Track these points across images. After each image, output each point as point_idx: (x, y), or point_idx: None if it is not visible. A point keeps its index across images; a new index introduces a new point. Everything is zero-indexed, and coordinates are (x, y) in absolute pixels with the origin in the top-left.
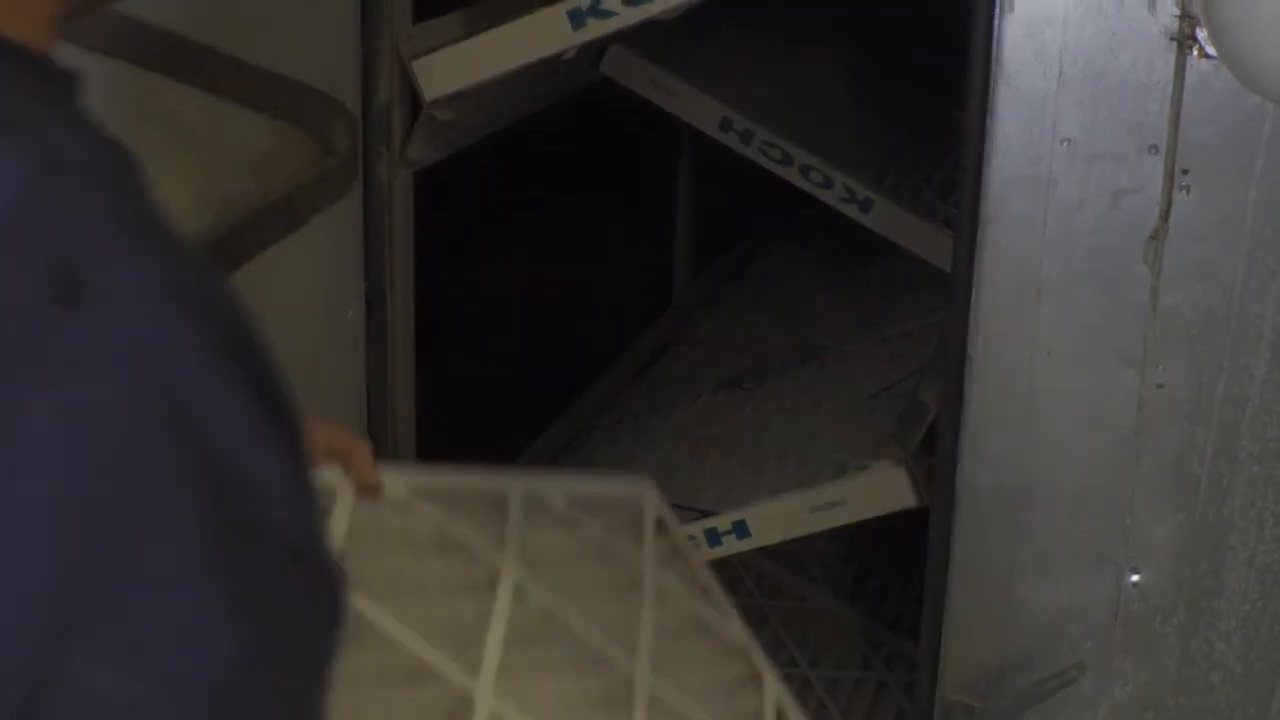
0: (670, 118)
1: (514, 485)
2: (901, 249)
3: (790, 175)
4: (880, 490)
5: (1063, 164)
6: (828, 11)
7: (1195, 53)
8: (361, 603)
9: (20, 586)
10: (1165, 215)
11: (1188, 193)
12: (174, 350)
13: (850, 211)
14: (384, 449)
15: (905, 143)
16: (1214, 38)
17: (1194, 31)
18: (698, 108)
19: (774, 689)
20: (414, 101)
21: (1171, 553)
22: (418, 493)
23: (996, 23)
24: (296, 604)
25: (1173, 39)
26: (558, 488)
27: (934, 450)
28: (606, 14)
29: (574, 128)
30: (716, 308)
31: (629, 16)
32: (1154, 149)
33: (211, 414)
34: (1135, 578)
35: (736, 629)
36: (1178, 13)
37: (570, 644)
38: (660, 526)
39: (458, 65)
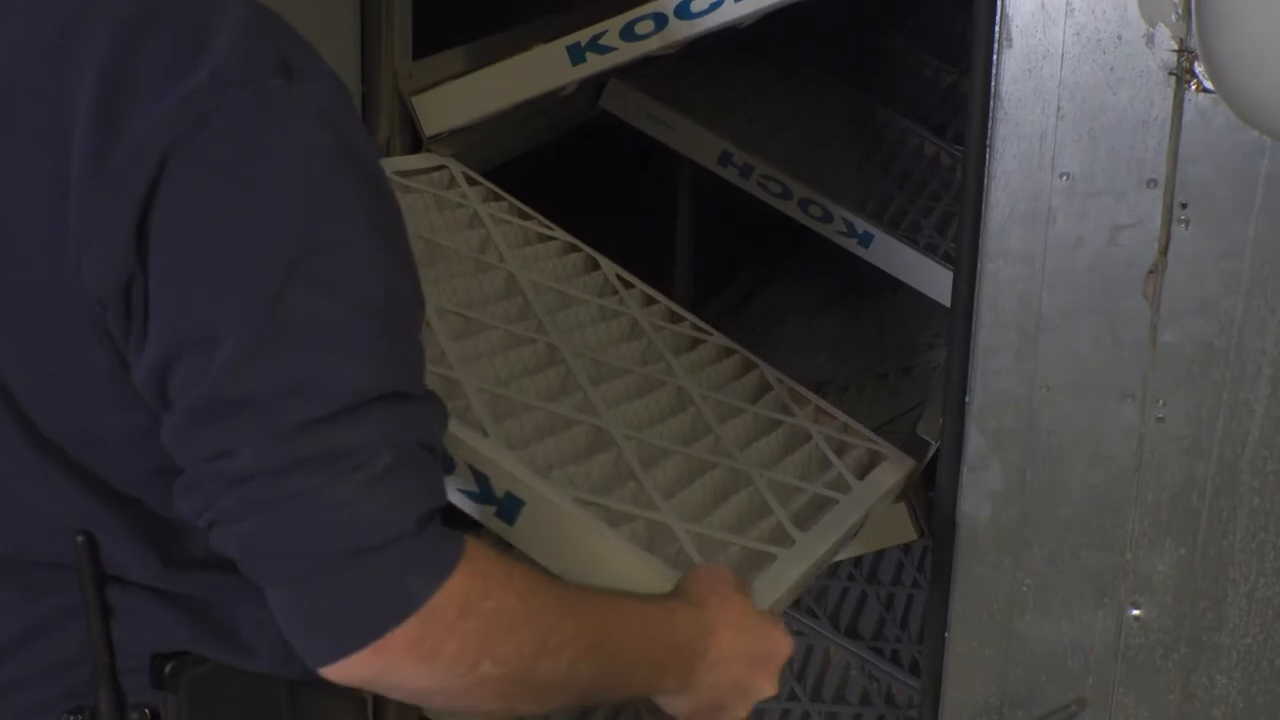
0: (669, 151)
1: None
2: (902, 282)
3: (790, 209)
4: (880, 524)
5: (1061, 199)
6: (827, 46)
7: (1193, 87)
8: None
9: (272, 243)
10: (1164, 250)
11: (1187, 227)
12: (340, 109)
13: (850, 245)
14: None
15: (905, 176)
16: (1212, 72)
17: (1192, 66)
18: (697, 142)
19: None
20: (414, 137)
21: (1172, 587)
22: None
23: (995, 58)
24: (412, 263)
25: (1171, 74)
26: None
27: (934, 484)
28: (605, 49)
29: (573, 162)
30: None
31: (628, 52)
32: (1153, 184)
33: (361, 150)
34: (1136, 612)
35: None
36: (1176, 47)
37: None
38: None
39: (457, 101)
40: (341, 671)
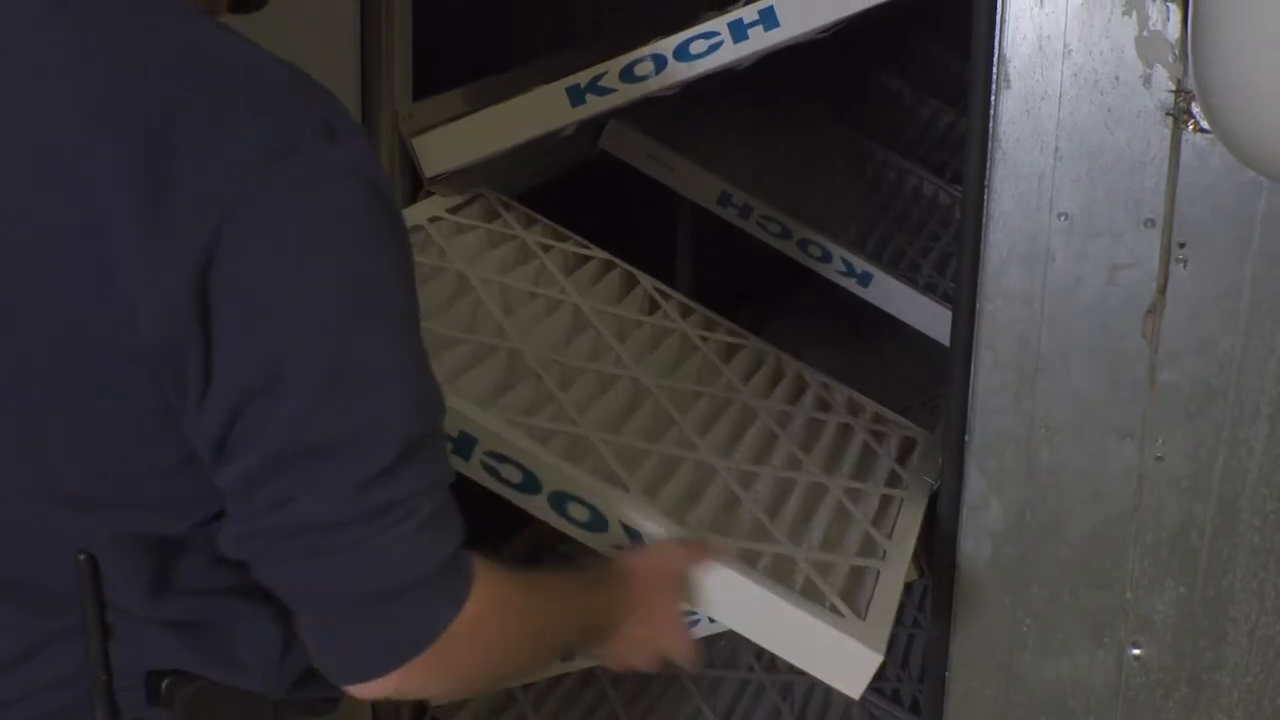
0: (668, 190)
1: None
2: (901, 321)
3: (789, 249)
4: None
5: (1060, 239)
6: (826, 87)
7: (1190, 127)
8: None
9: (332, 298)
10: (1162, 290)
11: (1185, 267)
12: (373, 162)
13: (849, 285)
14: None
15: (904, 216)
16: (1209, 113)
17: (1189, 106)
18: (696, 182)
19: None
20: (414, 178)
21: (1172, 626)
22: None
23: (994, 99)
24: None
25: (1168, 114)
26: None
27: (934, 524)
28: (605, 90)
29: (573, 201)
30: None
31: (627, 93)
32: (1150, 224)
33: (389, 197)
34: (1136, 652)
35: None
36: (1173, 88)
37: None
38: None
39: (457, 142)
40: (367, 690)
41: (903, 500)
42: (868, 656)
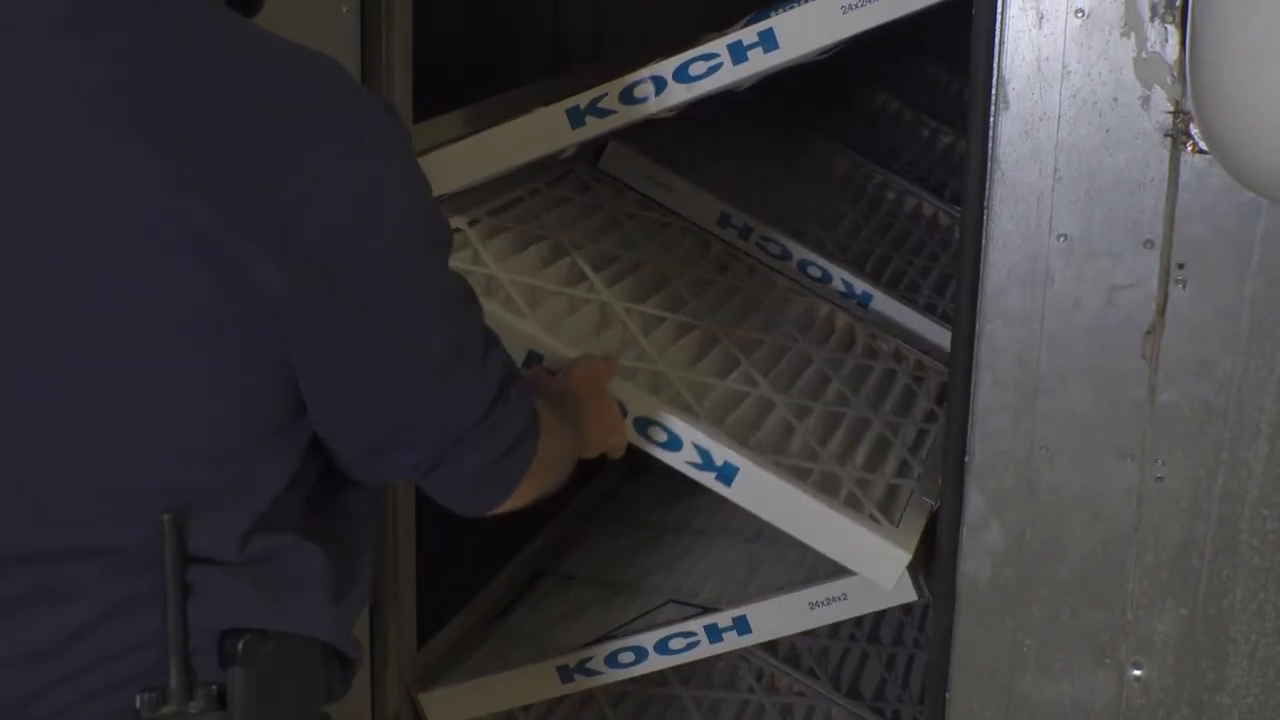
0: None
1: None
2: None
3: (789, 270)
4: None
5: (1059, 260)
6: (825, 107)
7: (1189, 148)
8: None
9: (422, 239)
10: (1162, 310)
11: (1184, 287)
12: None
13: (849, 305)
14: None
15: (903, 236)
16: (1206, 134)
17: (1188, 128)
18: (696, 203)
19: None
20: None
21: (1173, 647)
22: None
23: (992, 120)
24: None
25: (1167, 135)
26: None
27: (934, 545)
28: (605, 112)
29: None
30: None
31: (627, 115)
32: (1150, 244)
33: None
34: (1137, 673)
35: None
36: (1171, 109)
37: None
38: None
39: (457, 164)
40: (500, 510)
41: (935, 433)
42: (899, 555)
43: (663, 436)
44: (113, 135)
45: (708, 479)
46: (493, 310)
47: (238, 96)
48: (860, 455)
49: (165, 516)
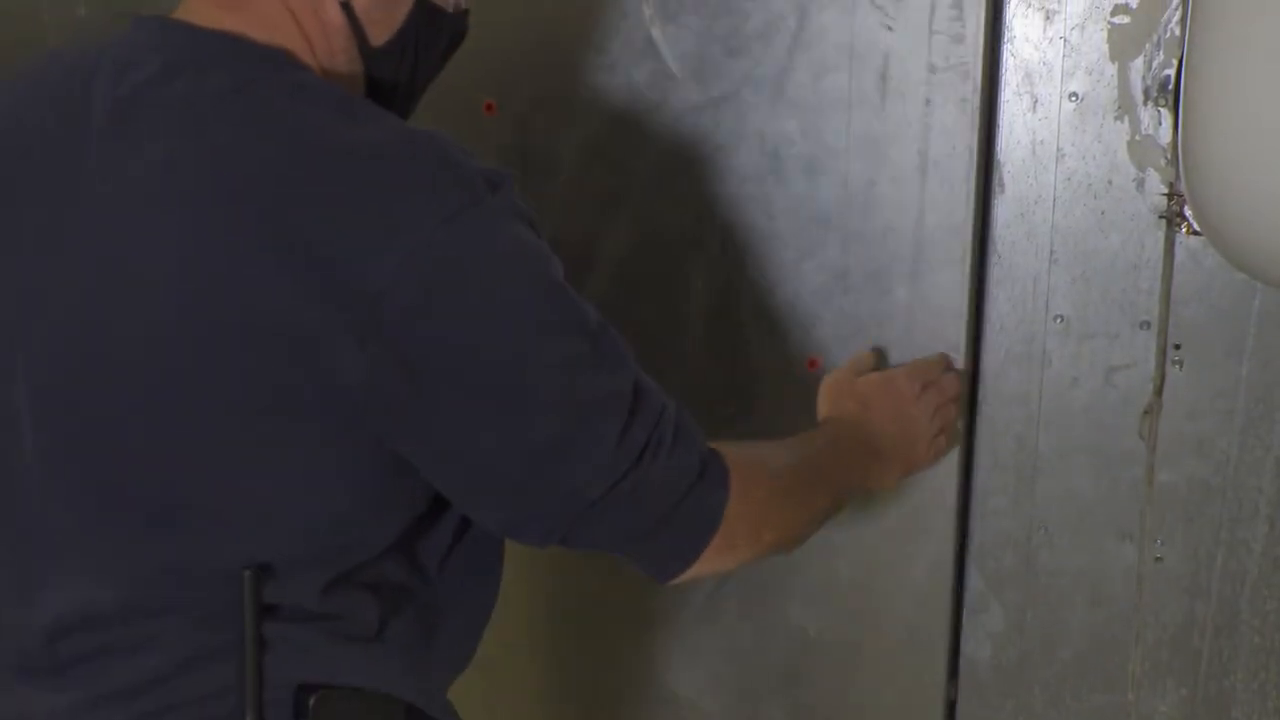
0: None
1: None
2: None
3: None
4: None
5: (1056, 341)
6: None
7: (1184, 230)
8: None
9: (525, 312)
10: (1159, 391)
11: (1180, 368)
12: (520, 208)
13: None
14: None
15: None
16: (1199, 217)
17: (1182, 209)
18: None
19: None
20: None
21: None
22: None
23: (988, 203)
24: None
25: (1161, 216)
26: None
27: None
28: None
29: None
30: None
31: None
32: (1146, 325)
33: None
34: None
35: None
36: (1165, 191)
37: None
38: None
39: None
40: (683, 578)
41: None
42: None
43: None
44: (211, 216)
45: None
46: None
47: (337, 181)
48: None
49: (245, 572)
